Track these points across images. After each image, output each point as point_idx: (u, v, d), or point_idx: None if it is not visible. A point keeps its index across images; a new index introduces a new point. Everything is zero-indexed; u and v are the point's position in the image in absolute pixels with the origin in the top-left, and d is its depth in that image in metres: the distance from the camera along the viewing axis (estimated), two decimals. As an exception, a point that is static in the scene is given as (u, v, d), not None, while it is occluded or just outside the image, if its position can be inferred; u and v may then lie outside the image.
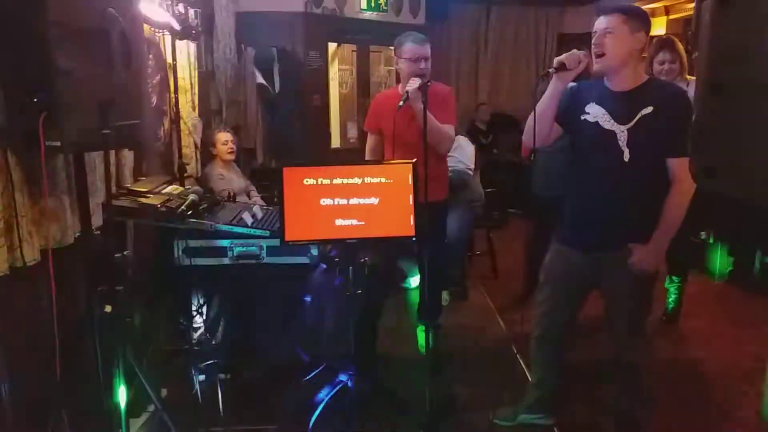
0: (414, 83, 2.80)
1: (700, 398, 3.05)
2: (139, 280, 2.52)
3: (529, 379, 2.85)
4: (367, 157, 3.32)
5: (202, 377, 2.91)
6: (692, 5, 6.19)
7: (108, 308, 2.04)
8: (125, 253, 2.17)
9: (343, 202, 2.44)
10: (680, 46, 3.66)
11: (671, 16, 7.28)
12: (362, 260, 2.69)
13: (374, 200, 2.45)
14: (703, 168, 1.23)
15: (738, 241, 4.50)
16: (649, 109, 2.22)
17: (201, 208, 2.81)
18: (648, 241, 2.28)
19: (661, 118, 2.21)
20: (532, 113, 2.33)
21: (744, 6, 1.16)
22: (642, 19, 2.29)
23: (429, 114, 2.83)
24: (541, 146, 2.40)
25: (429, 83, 2.81)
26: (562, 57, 2.28)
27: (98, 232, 2.42)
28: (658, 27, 7.43)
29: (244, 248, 2.68)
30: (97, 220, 2.47)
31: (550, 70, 2.30)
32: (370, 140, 3.30)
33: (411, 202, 2.47)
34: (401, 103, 2.82)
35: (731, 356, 3.48)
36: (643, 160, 2.25)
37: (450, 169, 3.75)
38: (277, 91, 5.51)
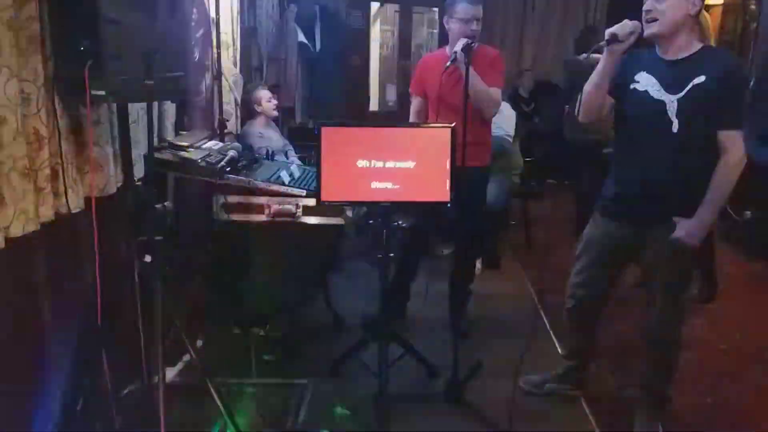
0: (461, 43, 2.74)
1: (732, 379, 3.01)
2: (179, 232, 2.57)
3: (559, 350, 2.84)
4: (411, 120, 3.27)
5: (237, 330, 2.99)
6: (754, -27, 5.90)
7: (148, 258, 2.09)
8: (165, 204, 2.20)
9: (380, 164, 2.42)
10: None
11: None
12: (397, 223, 2.69)
13: (410, 164, 2.42)
14: (759, 136, 1.18)
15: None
16: (701, 79, 2.14)
17: (240, 164, 2.83)
18: (693, 214, 2.22)
19: (714, 89, 2.13)
20: (587, 85, 2.29)
21: None
22: None
23: (476, 76, 2.79)
24: (594, 120, 2.37)
25: (474, 45, 2.75)
26: (614, 29, 2.20)
27: (140, 182, 2.46)
28: (719, -5, 7.10)
29: (281, 206, 2.70)
30: (138, 171, 2.51)
31: (601, 43, 2.22)
32: (415, 103, 3.25)
33: (448, 167, 2.43)
34: (448, 63, 2.78)
35: (766, 340, 3.41)
36: (693, 132, 2.18)
37: (490, 135, 3.70)
38: (317, 50, 5.48)
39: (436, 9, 7.26)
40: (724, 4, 7.07)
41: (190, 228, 2.77)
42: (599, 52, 2.26)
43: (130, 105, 2.39)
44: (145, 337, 2.13)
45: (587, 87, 2.30)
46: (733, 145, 2.16)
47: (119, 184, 2.38)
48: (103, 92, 1.92)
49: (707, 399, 2.81)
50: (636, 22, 2.20)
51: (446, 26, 3.05)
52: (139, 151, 2.54)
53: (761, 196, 4.38)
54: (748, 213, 4.61)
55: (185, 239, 2.68)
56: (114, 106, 2.28)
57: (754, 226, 4.59)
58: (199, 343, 2.75)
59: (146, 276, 2.08)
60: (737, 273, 4.39)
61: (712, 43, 3.36)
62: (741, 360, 3.19)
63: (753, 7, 6.01)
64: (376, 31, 6.92)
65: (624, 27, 2.19)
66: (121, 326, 2.19)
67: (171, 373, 2.51)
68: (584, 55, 2.47)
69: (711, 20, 6.48)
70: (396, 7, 6.94)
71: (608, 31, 2.21)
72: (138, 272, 2.14)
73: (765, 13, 4.33)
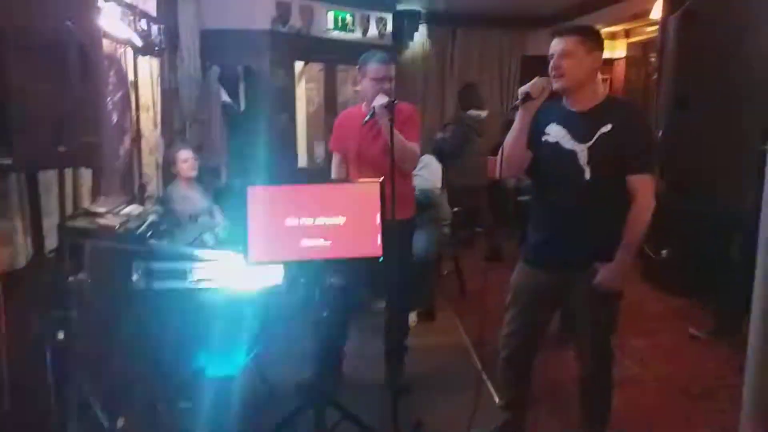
0: (381, 99, 2.80)
1: (663, 415, 3.07)
2: (96, 305, 2.42)
3: (497, 401, 2.82)
4: (333, 177, 3.29)
5: (162, 406, 2.81)
6: (652, 28, 6.38)
7: (61, 334, 1.96)
8: (80, 276, 2.08)
9: (309, 221, 2.39)
10: None
11: (631, 40, 7.49)
12: (329, 281, 2.64)
13: (341, 219, 2.41)
14: (671, 183, 1.24)
15: (698, 257, 4.57)
16: (608, 127, 2.26)
17: (161, 229, 2.74)
18: (612, 258, 2.29)
19: (620, 136, 2.24)
20: (506, 143, 2.37)
21: (709, 20, 1.18)
22: (596, 39, 2.34)
23: (396, 134, 2.83)
24: (516, 174, 2.45)
25: (395, 102, 2.81)
26: (526, 87, 2.31)
27: (52, 254, 2.32)
28: (619, 50, 7.63)
29: (206, 270, 2.61)
30: (51, 242, 2.38)
31: (516, 102, 2.33)
32: (336, 160, 3.28)
33: (378, 222, 2.43)
34: (367, 118, 2.82)
35: (693, 373, 3.52)
36: (604, 178, 2.28)
37: (417, 188, 3.74)
38: (242, 110, 5.46)
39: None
40: (627, 57, 7.61)
41: (108, 299, 2.62)
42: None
43: (42, 172, 2.28)
44: (59, 421, 1.97)
45: (507, 144, 2.39)
46: (643, 189, 2.27)
47: (30, 257, 2.24)
48: (9, 161, 1.82)
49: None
50: (546, 79, 2.31)
51: (360, 85, 3.10)
52: (51, 220, 2.41)
53: (676, 236, 4.60)
54: (665, 252, 4.83)
55: (103, 311, 2.53)
56: (23, 175, 2.17)
57: (672, 264, 4.80)
58: (120, 422, 2.56)
59: (60, 353, 1.94)
60: (660, 310, 4.56)
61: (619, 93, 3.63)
62: (672, 395, 3.27)
63: (653, 59, 6.48)
64: (301, 89, 6.97)
65: (535, 85, 2.30)
66: (33, 408, 2.01)
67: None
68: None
69: (617, 72, 6.92)
70: (320, 65, 7.05)
71: (521, 90, 2.32)
72: (51, 349, 2.00)
73: (665, 65, 4.67)
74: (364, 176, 2.86)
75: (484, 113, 5.80)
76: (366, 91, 3.03)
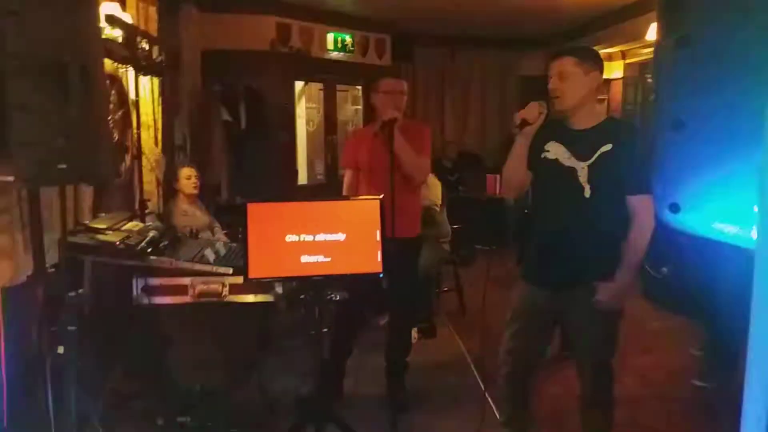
0: (392, 113, 2.87)
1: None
2: (96, 320, 2.42)
3: (498, 418, 2.80)
4: (345, 194, 3.30)
5: (161, 421, 2.80)
6: (647, 50, 6.44)
7: (61, 349, 1.95)
8: (80, 291, 2.08)
9: (309, 238, 2.39)
10: None
11: (628, 60, 7.55)
12: (329, 297, 2.64)
13: (341, 236, 2.41)
14: (668, 204, 1.25)
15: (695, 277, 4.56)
16: (608, 147, 2.26)
17: (162, 244, 2.74)
18: (612, 276, 2.29)
19: (619, 156, 2.25)
20: (506, 167, 2.42)
21: (700, 45, 1.21)
22: (594, 59, 2.34)
23: (406, 145, 2.91)
24: (517, 195, 2.51)
25: (397, 119, 2.87)
26: (523, 113, 2.32)
27: (53, 269, 2.33)
28: (616, 71, 7.70)
29: (206, 286, 2.61)
30: (52, 257, 2.38)
31: (514, 130, 2.36)
32: (348, 176, 3.30)
33: (378, 238, 2.44)
34: (377, 129, 2.89)
35: (694, 391, 3.50)
36: (604, 196, 2.28)
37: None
38: (243, 128, 5.50)
39: (359, 87, 7.50)
40: (624, 78, 7.67)
41: (108, 314, 2.62)
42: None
43: (44, 189, 2.30)
44: (57, 437, 1.96)
45: (507, 167, 2.41)
46: (643, 209, 2.27)
47: (29, 273, 2.25)
48: (11, 178, 1.83)
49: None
50: (541, 102, 2.33)
51: (374, 103, 3.18)
52: (52, 236, 2.42)
53: (675, 254, 4.60)
54: (665, 270, 4.81)
55: (103, 327, 2.53)
56: (24, 191, 2.19)
57: (672, 281, 4.77)
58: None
59: (59, 369, 1.94)
60: (661, 327, 4.54)
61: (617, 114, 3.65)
62: (673, 413, 3.25)
63: (650, 80, 6.53)
64: (301, 108, 7.04)
65: (531, 110, 2.32)
66: (33, 423, 2.01)
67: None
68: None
69: (614, 92, 6.93)
70: (320, 85, 7.11)
71: (518, 116, 2.33)
72: (50, 365, 1.99)
73: (660, 86, 4.71)
74: (375, 191, 2.89)
75: None
76: (379, 105, 3.12)
